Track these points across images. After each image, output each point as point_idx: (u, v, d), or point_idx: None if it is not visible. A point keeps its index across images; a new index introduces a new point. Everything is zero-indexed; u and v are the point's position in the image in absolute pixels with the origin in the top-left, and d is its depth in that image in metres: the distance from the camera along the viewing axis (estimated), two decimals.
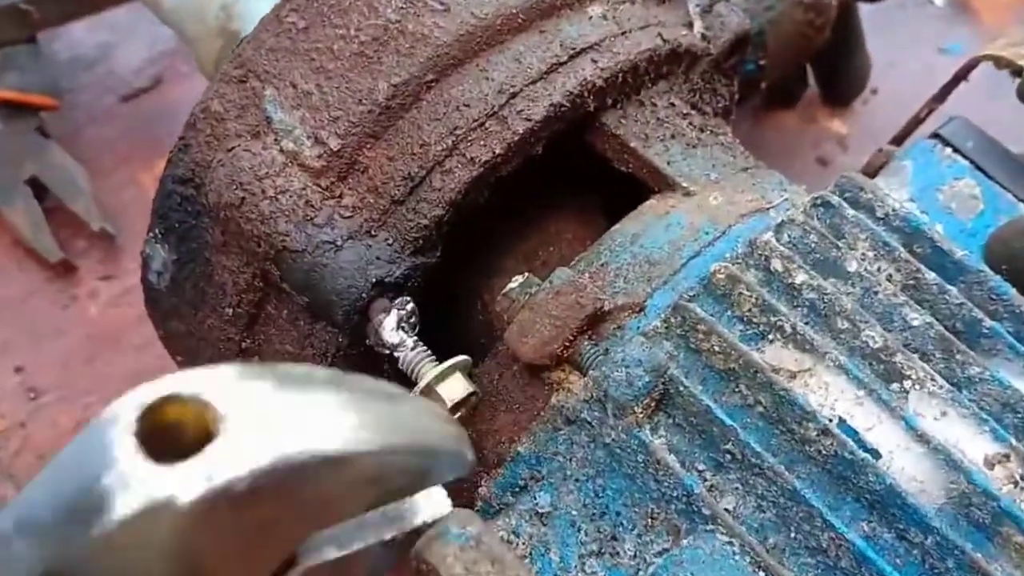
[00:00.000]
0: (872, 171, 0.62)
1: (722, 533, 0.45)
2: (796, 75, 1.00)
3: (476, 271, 0.62)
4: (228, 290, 0.54)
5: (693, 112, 0.60)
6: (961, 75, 0.68)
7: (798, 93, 1.01)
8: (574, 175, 0.64)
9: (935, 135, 0.62)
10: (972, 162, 0.61)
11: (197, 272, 0.55)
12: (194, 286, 0.56)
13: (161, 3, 0.79)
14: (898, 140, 0.70)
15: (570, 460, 0.50)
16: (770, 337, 0.49)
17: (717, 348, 0.48)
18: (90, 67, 1.06)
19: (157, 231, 0.57)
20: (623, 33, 0.55)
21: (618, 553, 0.49)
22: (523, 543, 0.49)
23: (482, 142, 0.51)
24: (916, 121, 0.70)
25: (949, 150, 0.61)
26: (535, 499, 0.50)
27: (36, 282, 0.91)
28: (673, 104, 0.58)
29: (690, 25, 0.60)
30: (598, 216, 0.66)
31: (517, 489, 0.52)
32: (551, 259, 0.63)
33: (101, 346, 0.88)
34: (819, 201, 0.54)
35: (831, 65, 0.96)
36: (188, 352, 0.60)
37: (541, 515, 0.50)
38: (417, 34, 0.51)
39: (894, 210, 0.54)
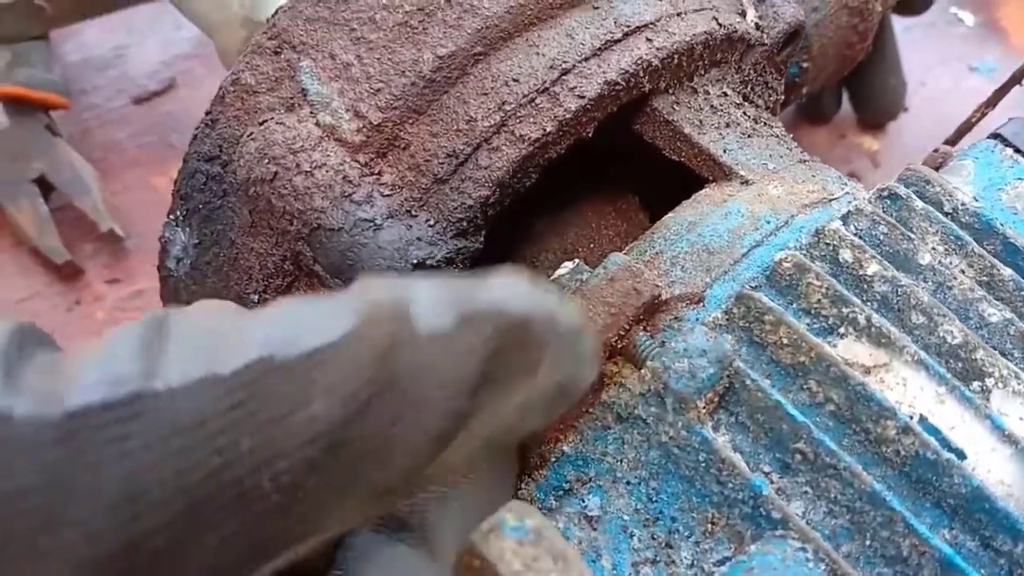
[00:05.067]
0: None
1: (794, 539, 0.42)
2: (831, 93, 0.98)
3: (515, 265, 0.59)
4: (255, 275, 0.51)
5: (746, 103, 0.57)
6: (1017, 78, 0.65)
7: (831, 112, 0.99)
8: (609, 171, 0.61)
9: (995, 135, 0.59)
10: None
11: (221, 256, 0.52)
12: (217, 271, 0.53)
13: None
14: (950, 144, 0.68)
15: (620, 461, 0.47)
16: (841, 330, 0.45)
17: (786, 341, 0.44)
18: (102, 70, 1.03)
19: (178, 213, 0.53)
20: (678, 14, 0.52)
21: (674, 562, 0.45)
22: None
23: (532, 119, 0.47)
24: (968, 125, 0.68)
25: (1010, 151, 0.59)
26: (584, 502, 0.46)
27: (39, 284, 0.87)
28: (726, 93, 0.56)
29: (743, 14, 0.57)
30: (639, 212, 0.63)
31: (561, 492, 0.48)
32: (592, 255, 0.60)
33: None
34: (886, 193, 0.51)
35: (867, 85, 0.94)
36: None
37: (591, 519, 0.46)
38: (465, 5, 0.48)
39: (963, 204, 0.51)
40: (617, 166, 0.62)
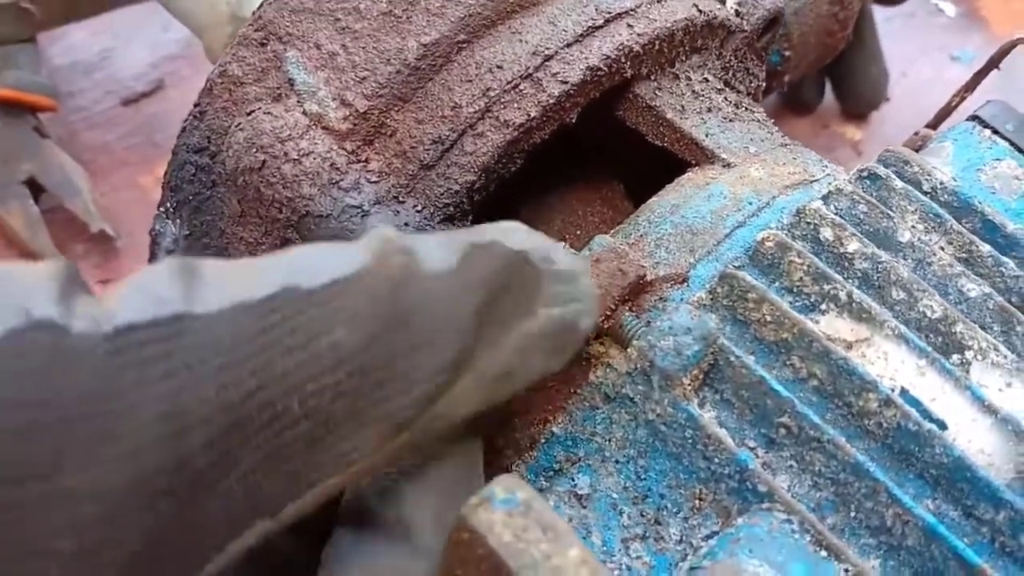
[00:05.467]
0: None
1: (779, 511, 0.42)
2: (814, 83, 0.99)
3: None
4: None
5: (727, 89, 0.57)
6: (995, 61, 0.66)
7: (814, 102, 1.00)
8: (592, 158, 0.62)
9: (974, 117, 0.60)
10: (1012, 144, 0.59)
11: (212, 246, 0.52)
12: None
13: None
14: (931, 127, 0.69)
15: (609, 441, 0.47)
16: (823, 307, 0.46)
17: (769, 318, 0.45)
18: (89, 72, 1.04)
19: (168, 205, 0.54)
20: (659, 1, 0.53)
21: (663, 537, 0.45)
22: None
23: (516, 105, 0.48)
24: (948, 109, 0.68)
25: (988, 132, 0.59)
26: (574, 481, 0.47)
27: None
28: (707, 79, 0.56)
29: (723, 0, 0.58)
30: (623, 199, 0.64)
31: (551, 473, 0.49)
32: (578, 241, 0.60)
33: None
34: (866, 173, 0.51)
35: (849, 75, 0.95)
36: None
37: (580, 497, 0.47)
38: None
39: (942, 183, 0.52)
40: (600, 153, 0.63)
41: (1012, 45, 0.65)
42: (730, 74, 0.59)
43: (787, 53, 0.72)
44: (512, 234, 0.33)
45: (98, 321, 0.26)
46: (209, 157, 0.51)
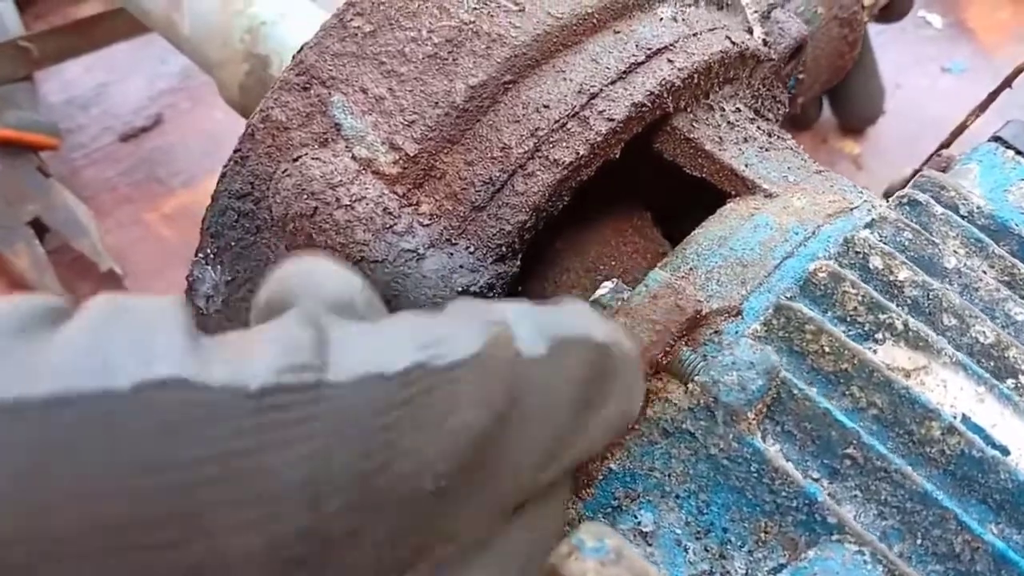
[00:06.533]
0: None
1: (850, 542, 0.43)
2: (813, 100, 1.00)
3: (536, 287, 0.60)
4: None
5: (758, 118, 0.58)
6: (1008, 82, 0.67)
7: (813, 118, 1.01)
8: (619, 186, 0.62)
9: (995, 138, 0.61)
10: None
11: (255, 293, 0.52)
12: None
13: (178, 30, 0.76)
14: (945, 147, 0.70)
15: (669, 476, 0.47)
16: (878, 336, 0.47)
17: (827, 349, 0.46)
18: (86, 108, 1.03)
19: (208, 251, 0.53)
20: (694, 35, 0.54)
21: (728, 572, 0.46)
22: None
23: (564, 143, 0.48)
24: (962, 128, 0.70)
25: (1011, 152, 0.61)
26: (637, 518, 0.47)
27: None
28: (739, 109, 0.57)
29: (750, 31, 0.59)
30: (652, 227, 0.64)
31: (610, 510, 0.49)
32: (613, 272, 0.61)
33: None
34: (906, 199, 0.52)
35: (847, 91, 0.97)
36: None
37: (646, 534, 0.47)
38: (493, 34, 0.49)
39: (978, 207, 0.53)
40: (627, 182, 0.63)
41: (1023, 67, 0.66)
42: (759, 103, 0.60)
43: (801, 76, 0.73)
44: (592, 323, 0.33)
45: (240, 373, 0.25)
46: (253, 203, 0.51)
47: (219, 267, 0.53)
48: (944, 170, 0.61)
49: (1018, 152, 0.60)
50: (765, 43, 0.58)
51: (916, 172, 0.69)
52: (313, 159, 0.48)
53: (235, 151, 0.52)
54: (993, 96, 0.68)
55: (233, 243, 0.52)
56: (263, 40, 0.71)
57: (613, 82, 0.50)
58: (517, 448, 0.30)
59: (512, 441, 0.29)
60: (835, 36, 0.75)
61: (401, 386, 0.27)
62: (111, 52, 1.02)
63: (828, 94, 1.01)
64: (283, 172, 0.49)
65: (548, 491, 0.35)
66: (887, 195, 0.66)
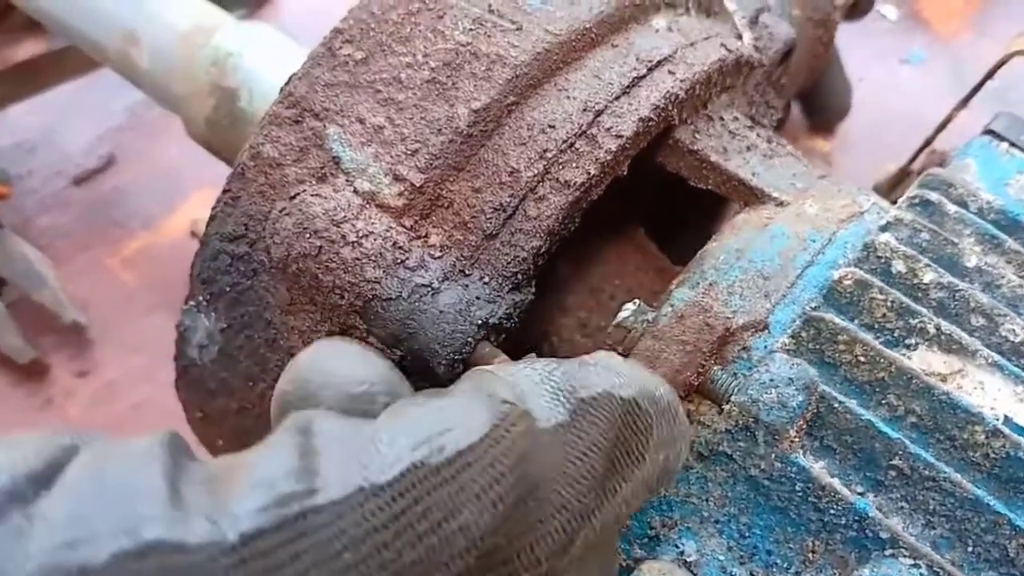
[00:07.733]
0: None
1: (904, 556, 0.41)
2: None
3: (542, 312, 0.58)
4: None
5: (756, 125, 0.57)
6: (990, 74, 0.67)
7: (783, 118, 1.01)
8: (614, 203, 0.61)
9: (988, 131, 0.61)
10: None
11: (256, 339, 0.49)
12: (251, 354, 0.50)
13: (136, 64, 0.73)
14: (928, 143, 0.69)
15: (706, 500, 0.46)
16: (909, 341, 0.45)
17: (862, 359, 0.44)
18: (34, 151, 0.98)
19: (200, 298, 0.50)
20: (691, 44, 0.52)
21: None
22: None
23: (574, 164, 0.47)
24: (945, 123, 0.69)
25: (1005, 145, 0.60)
26: (679, 547, 0.45)
27: (4, 386, 0.82)
28: (737, 117, 0.56)
29: (740, 36, 0.58)
30: (647, 241, 0.63)
31: (646, 540, 0.47)
32: (617, 292, 0.59)
33: None
34: (917, 200, 0.51)
35: (816, 91, 0.97)
36: (238, 432, 0.54)
37: (690, 564, 0.45)
38: (492, 55, 0.47)
39: (988, 203, 0.53)
40: (619, 197, 0.62)
41: (1006, 59, 0.66)
42: (754, 109, 0.59)
43: (783, 80, 0.72)
44: (617, 376, 0.32)
45: (218, 525, 0.24)
46: (248, 245, 0.48)
47: (213, 314, 0.50)
48: (941, 166, 0.61)
49: (1012, 144, 0.60)
50: (756, 48, 0.57)
51: (903, 169, 0.68)
52: (313, 196, 0.46)
53: (224, 191, 0.49)
54: (974, 90, 0.68)
55: (227, 288, 0.49)
56: (231, 72, 0.68)
57: (617, 98, 0.48)
58: (532, 539, 0.28)
59: (525, 533, 0.28)
60: (811, 37, 0.74)
61: (395, 497, 0.25)
62: (54, 92, 0.97)
63: (796, 95, 1.01)
64: (280, 211, 0.46)
65: (585, 554, 0.33)
66: (876, 192, 0.65)
